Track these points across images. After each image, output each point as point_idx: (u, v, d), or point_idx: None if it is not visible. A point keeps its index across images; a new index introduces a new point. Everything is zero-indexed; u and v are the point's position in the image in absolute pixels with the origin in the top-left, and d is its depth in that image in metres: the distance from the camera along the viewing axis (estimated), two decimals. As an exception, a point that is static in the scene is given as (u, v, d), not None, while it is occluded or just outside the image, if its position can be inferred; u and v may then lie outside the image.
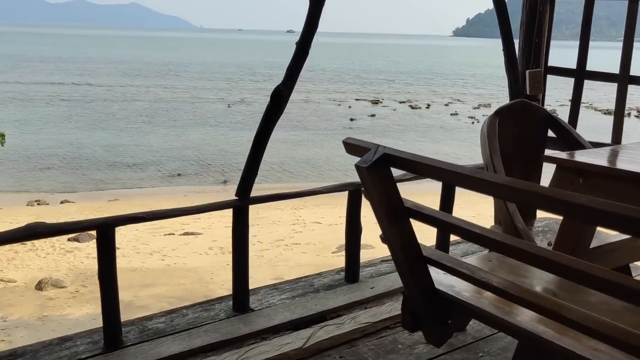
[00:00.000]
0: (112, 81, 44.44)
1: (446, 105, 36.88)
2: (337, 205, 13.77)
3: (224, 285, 7.92)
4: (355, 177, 2.13)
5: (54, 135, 23.15)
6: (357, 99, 38.71)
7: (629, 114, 34.44)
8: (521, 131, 3.13)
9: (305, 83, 47.76)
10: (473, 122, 30.25)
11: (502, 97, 41.24)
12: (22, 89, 38.08)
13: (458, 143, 24.42)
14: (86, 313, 6.91)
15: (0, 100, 32.17)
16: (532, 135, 3.20)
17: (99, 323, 6.60)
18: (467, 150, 22.70)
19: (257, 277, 8.35)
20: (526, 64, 4.50)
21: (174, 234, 10.81)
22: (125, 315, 6.42)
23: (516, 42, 4.45)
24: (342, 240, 10.20)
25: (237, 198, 3.40)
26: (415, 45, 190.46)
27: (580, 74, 4.61)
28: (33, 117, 27.44)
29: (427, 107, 35.60)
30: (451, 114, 32.78)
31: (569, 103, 4.84)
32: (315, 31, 2.86)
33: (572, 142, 3.12)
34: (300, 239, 10.37)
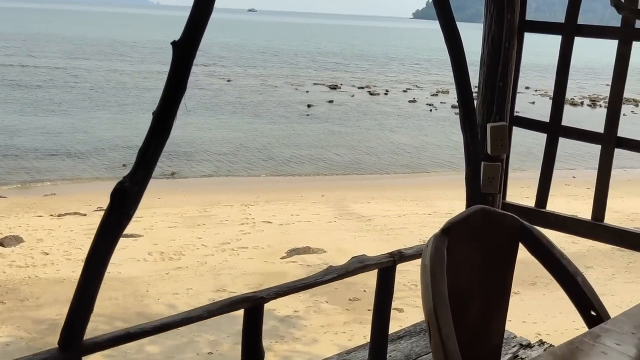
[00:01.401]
0: (52, 61, 42.44)
1: (404, 91, 36.59)
2: (290, 201, 13.21)
3: (160, 300, 7.28)
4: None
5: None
6: (315, 84, 38.03)
7: (581, 103, 34.89)
8: (483, 254, 2.25)
9: (261, 65, 46.79)
10: (431, 110, 30.05)
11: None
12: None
13: (414, 133, 24.09)
14: (0, 337, 6.16)
15: None
16: (497, 257, 2.30)
17: (14, 349, 5.91)
18: (421, 141, 22.41)
19: (198, 289, 7.76)
20: (487, 116, 3.58)
21: (111, 235, 10.03)
22: (52, 340, 5.70)
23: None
24: (293, 242, 9.71)
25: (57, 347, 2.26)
26: (372, 27, 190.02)
27: (554, 128, 3.62)
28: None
29: (385, 94, 35.22)
30: (409, 101, 32.49)
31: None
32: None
33: (553, 263, 2.28)
34: (248, 242, 9.75)
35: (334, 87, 36.53)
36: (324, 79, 40.80)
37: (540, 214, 3.68)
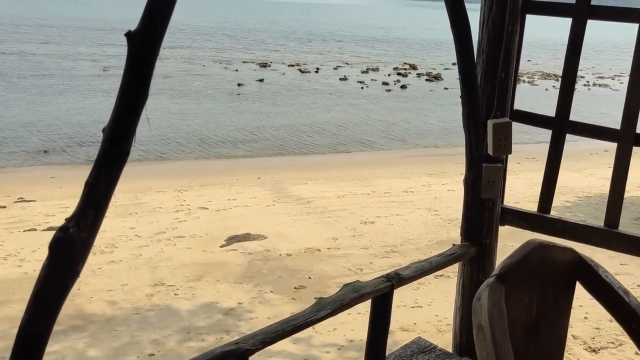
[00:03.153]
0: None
1: (335, 69, 36.46)
2: (226, 185, 12.84)
3: (92, 298, 6.84)
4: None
5: None
6: (244, 62, 37.26)
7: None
8: (539, 301, 1.95)
9: (184, 43, 45.34)
10: (362, 87, 30.08)
11: (388, 60, 41.67)
12: None
13: (347, 110, 24.04)
14: None
15: None
16: (555, 302, 2.02)
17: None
18: (355, 119, 22.39)
19: (134, 284, 7.35)
20: (487, 111, 3.19)
21: (36, 229, 9.39)
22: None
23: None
24: (231, 230, 9.40)
25: None
26: (301, 3, 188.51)
27: (561, 124, 3.23)
28: None
29: (316, 71, 34.98)
30: (340, 79, 32.40)
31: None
32: None
33: (618, 306, 2.01)
34: (185, 230, 9.36)
35: (263, 65, 35.92)
36: (252, 57, 40.05)
37: (545, 221, 3.39)
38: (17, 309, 6.57)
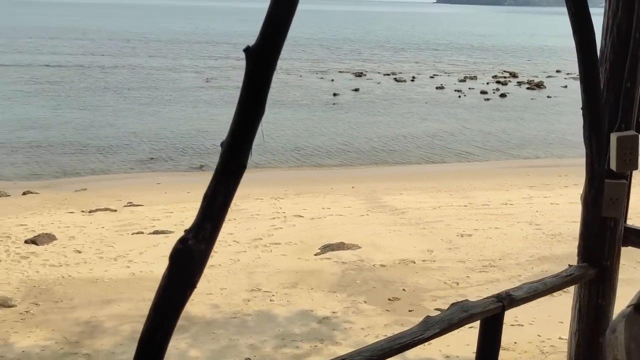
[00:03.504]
0: (81, 56, 42.78)
1: (431, 77, 35.98)
2: (321, 194, 12.97)
3: (194, 300, 7.11)
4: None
5: (20, 114, 21.89)
6: (340, 71, 37.63)
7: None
8: None
9: (282, 53, 46.38)
10: (459, 96, 29.45)
11: (486, 68, 40.51)
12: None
13: (444, 120, 23.60)
14: (34, 342, 6.06)
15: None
16: None
17: (48, 354, 5.81)
18: (452, 129, 21.93)
19: (232, 288, 7.59)
20: (610, 123, 2.91)
21: (143, 232, 9.94)
22: (87, 345, 5.53)
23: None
24: (325, 238, 9.47)
25: None
26: (395, 12, 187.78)
27: None
28: (3, 92, 26.06)
29: (412, 80, 34.68)
30: (436, 88, 31.91)
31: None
32: None
33: None
34: (280, 237, 9.55)
35: (359, 75, 36.09)
36: (348, 66, 40.35)
37: None
38: (126, 307, 6.98)
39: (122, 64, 38.09)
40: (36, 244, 9.15)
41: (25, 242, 9.24)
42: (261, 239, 9.53)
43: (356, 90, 30.46)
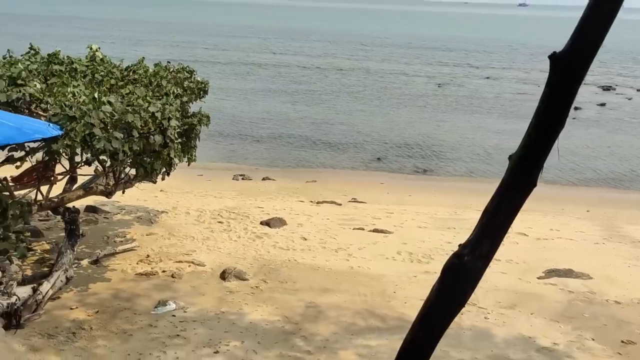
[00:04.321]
0: (320, 58, 45.61)
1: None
2: (549, 214, 12.04)
3: (407, 304, 7.12)
4: None
5: (265, 108, 24.22)
6: (584, 83, 34.49)
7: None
8: None
9: (516, 62, 44.19)
10: None
11: None
12: (255, 59, 40.86)
13: None
14: (261, 316, 6.63)
15: (238, 72, 34.76)
16: None
17: (272, 329, 6.30)
18: None
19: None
20: None
21: (363, 229, 10.25)
22: (305, 328, 5.83)
23: None
24: (551, 262, 8.76)
25: None
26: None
27: None
28: (256, 88, 29.12)
29: (673, 98, 30.44)
30: None
31: None
32: None
33: None
34: (501, 254, 8.88)
35: (607, 89, 32.79)
36: (593, 79, 36.87)
37: None
38: (342, 298, 7.25)
39: (357, 66, 39.85)
40: (269, 226, 10.02)
41: (261, 223, 10.18)
42: (480, 252, 9.17)
43: (602, 105, 27.70)
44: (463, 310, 6.86)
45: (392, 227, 10.36)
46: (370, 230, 10.17)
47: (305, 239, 9.47)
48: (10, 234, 5.50)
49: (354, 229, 10.25)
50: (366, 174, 16.02)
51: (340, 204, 12.11)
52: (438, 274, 8.37)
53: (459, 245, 1.45)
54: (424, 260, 8.70)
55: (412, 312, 6.87)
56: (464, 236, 9.28)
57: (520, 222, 11.00)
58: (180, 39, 53.19)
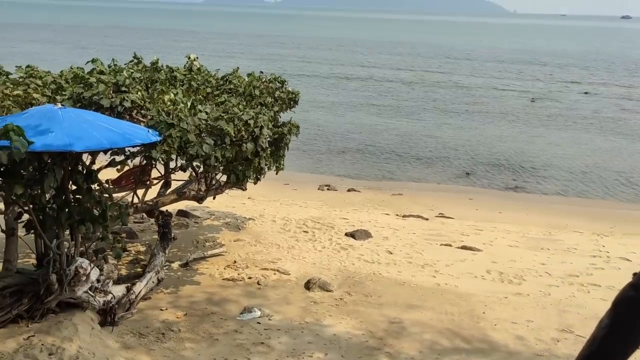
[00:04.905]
0: (408, 72, 45.20)
1: None
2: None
3: (497, 326, 6.79)
4: None
5: (352, 120, 24.22)
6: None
7: None
8: None
9: (617, 77, 41.73)
10: None
11: None
12: (343, 71, 41.16)
13: None
14: (345, 328, 6.52)
15: (325, 84, 35.15)
16: None
17: (355, 343, 6.17)
18: None
19: (539, 323, 7.01)
20: None
21: (451, 245, 9.94)
22: (390, 344, 5.66)
23: None
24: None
25: None
26: None
27: None
28: (342, 100, 29.25)
29: None
30: None
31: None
32: None
33: None
34: (601, 279, 8.50)
35: None
36: None
37: None
38: (428, 316, 7.02)
39: (445, 79, 39.13)
40: (354, 238, 9.93)
41: (346, 234, 10.11)
42: (577, 276, 8.63)
43: None
44: (558, 336, 6.60)
45: (481, 244, 9.98)
46: (458, 247, 9.84)
47: (391, 253, 9.30)
48: (108, 234, 5.74)
49: (441, 244, 9.96)
50: (454, 188, 15.59)
51: (427, 219, 11.84)
52: (531, 297, 7.93)
53: (634, 275, 1.25)
54: (515, 281, 8.29)
55: (501, 335, 6.57)
56: (559, 258, 8.79)
57: (622, 245, 10.48)
58: (270, 51, 54.50)
